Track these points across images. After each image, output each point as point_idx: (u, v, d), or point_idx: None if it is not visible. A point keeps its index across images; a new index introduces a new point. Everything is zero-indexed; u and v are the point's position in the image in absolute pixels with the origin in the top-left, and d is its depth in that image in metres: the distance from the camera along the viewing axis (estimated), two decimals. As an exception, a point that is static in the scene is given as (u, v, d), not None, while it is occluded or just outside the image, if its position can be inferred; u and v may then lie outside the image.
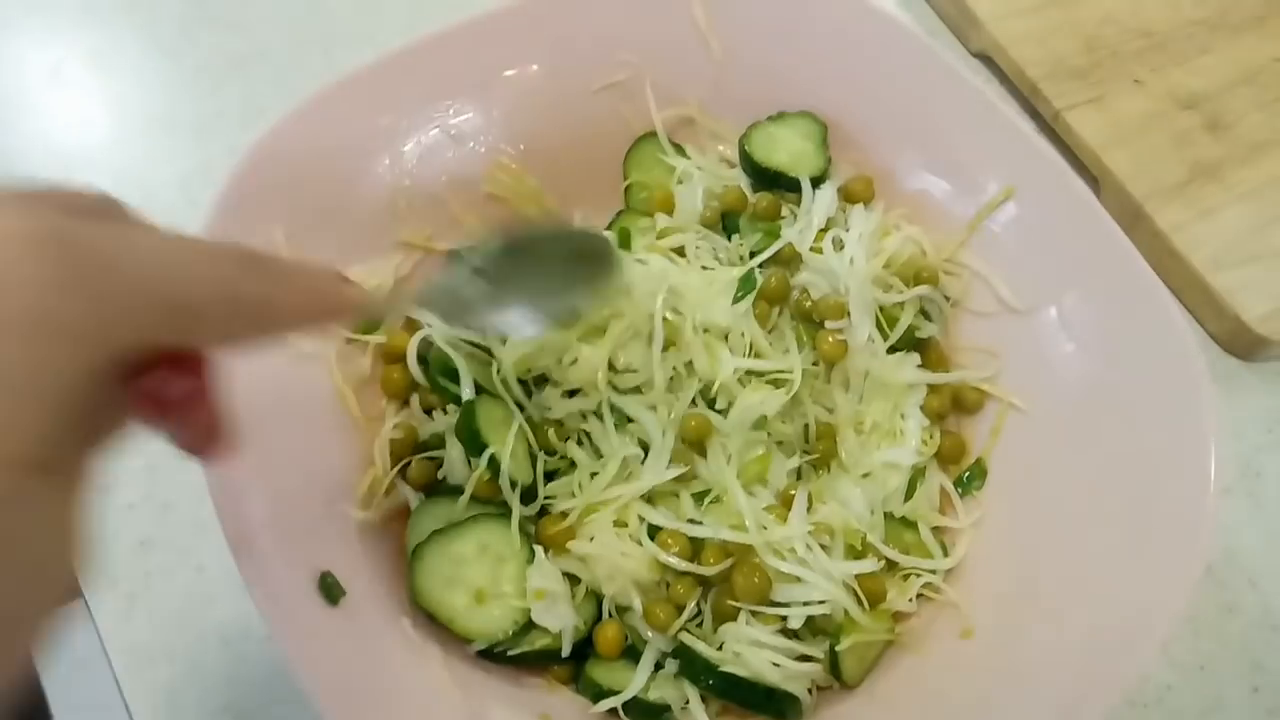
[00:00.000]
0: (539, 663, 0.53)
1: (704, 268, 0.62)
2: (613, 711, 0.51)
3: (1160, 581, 0.49)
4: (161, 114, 0.78)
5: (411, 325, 0.60)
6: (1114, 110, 0.80)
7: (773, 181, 0.65)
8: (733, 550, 0.53)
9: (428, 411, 0.59)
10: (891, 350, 0.61)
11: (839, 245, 0.62)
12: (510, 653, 0.51)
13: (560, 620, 0.51)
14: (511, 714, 0.49)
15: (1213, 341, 0.73)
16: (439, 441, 0.57)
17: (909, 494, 0.58)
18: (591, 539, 0.53)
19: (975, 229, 0.63)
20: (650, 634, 0.52)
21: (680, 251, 0.63)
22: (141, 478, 0.61)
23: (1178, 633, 0.61)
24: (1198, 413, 0.51)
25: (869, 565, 0.53)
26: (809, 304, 0.61)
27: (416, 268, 0.62)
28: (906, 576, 0.56)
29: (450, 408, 0.57)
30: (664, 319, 0.56)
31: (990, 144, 0.62)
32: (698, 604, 0.53)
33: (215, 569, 0.59)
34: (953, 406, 0.62)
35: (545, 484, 0.56)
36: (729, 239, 0.64)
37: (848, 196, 0.65)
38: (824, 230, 0.63)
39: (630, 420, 0.56)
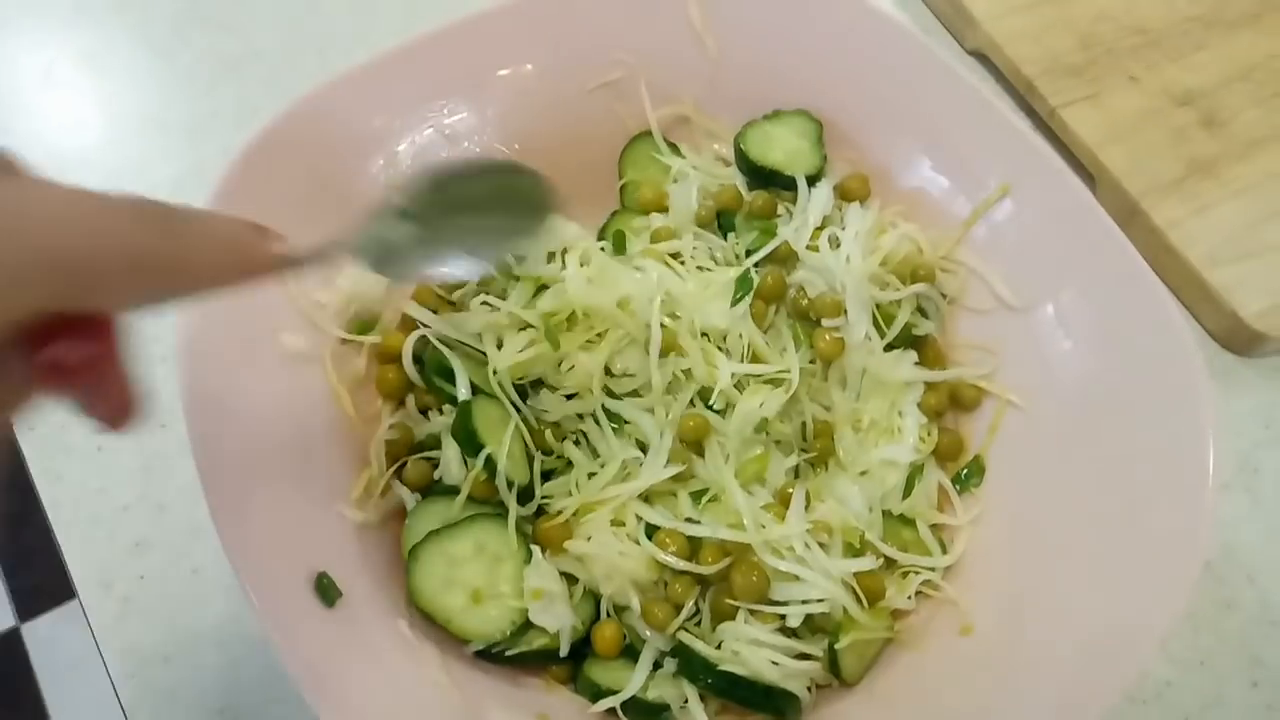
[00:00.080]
0: (537, 663, 0.53)
1: (700, 268, 0.62)
2: (611, 711, 0.51)
3: (1159, 578, 0.49)
4: (155, 115, 0.78)
5: (407, 325, 0.59)
6: (1110, 107, 0.80)
7: (768, 180, 0.65)
8: (731, 549, 0.52)
9: (423, 412, 0.59)
10: (888, 348, 0.61)
11: (835, 243, 0.61)
12: (508, 653, 0.51)
13: (558, 620, 0.51)
14: (509, 714, 0.49)
15: (1210, 338, 0.73)
16: (435, 442, 0.57)
17: (907, 491, 0.58)
18: (589, 538, 0.52)
19: (972, 226, 0.63)
20: (648, 633, 0.52)
21: (676, 255, 0.63)
22: (136, 479, 0.61)
23: (1177, 629, 0.61)
24: (1195, 408, 0.51)
25: (867, 563, 0.53)
26: (805, 302, 0.61)
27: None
28: (905, 574, 0.55)
29: (446, 408, 0.57)
30: (662, 325, 0.56)
31: (986, 141, 0.62)
32: (696, 603, 0.53)
33: (210, 570, 0.58)
34: (950, 404, 0.62)
35: (542, 484, 0.56)
36: (725, 238, 0.64)
37: (844, 194, 0.65)
38: (820, 228, 0.63)
39: (628, 422, 0.56)
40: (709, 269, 0.62)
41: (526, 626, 0.51)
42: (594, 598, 0.53)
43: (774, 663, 0.50)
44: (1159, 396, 0.53)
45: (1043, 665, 0.49)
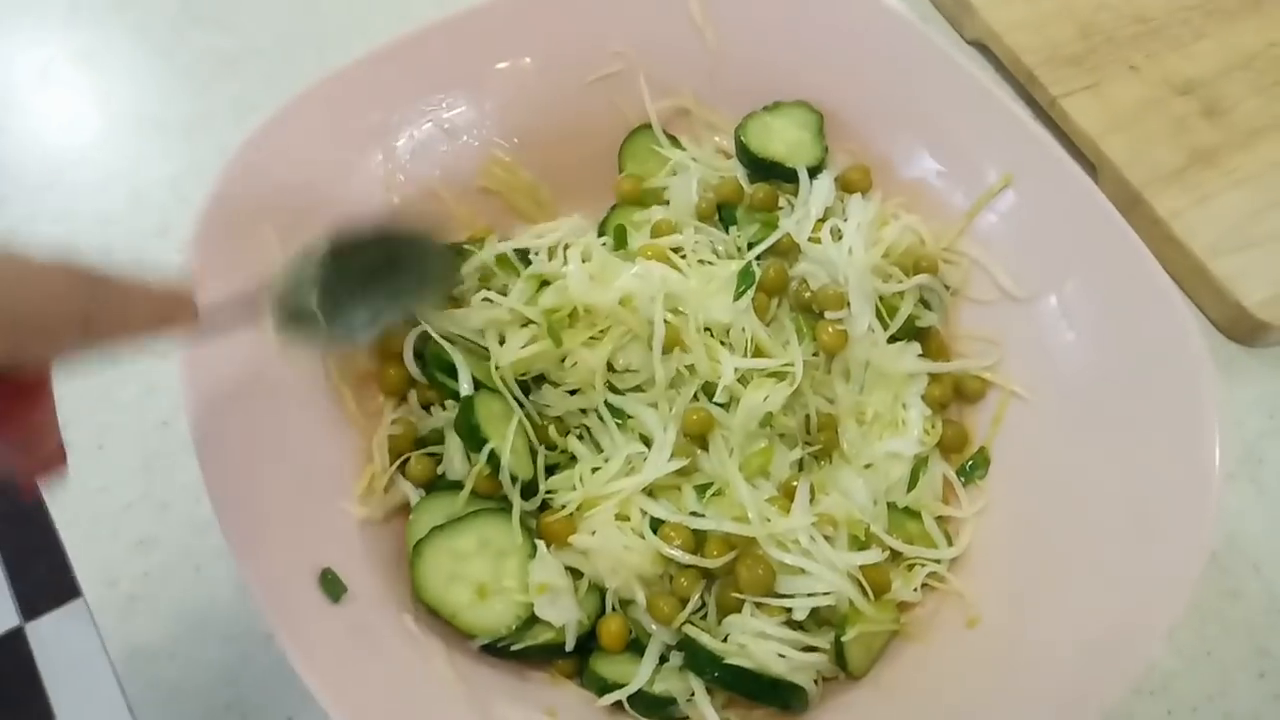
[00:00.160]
0: (543, 657, 0.53)
1: (702, 262, 0.62)
2: (618, 705, 0.51)
3: (1165, 569, 0.48)
4: (152, 113, 0.78)
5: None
6: (1110, 97, 0.80)
7: (769, 172, 0.65)
8: (736, 542, 0.52)
9: (426, 407, 0.59)
10: (892, 340, 0.61)
11: (837, 235, 0.61)
12: (514, 648, 0.51)
13: (563, 614, 0.51)
14: (515, 709, 0.49)
15: (1213, 328, 0.72)
16: (438, 437, 0.57)
17: (912, 484, 0.58)
18: (593, 533, 0.52)
19: (974, 217, 0.63)
20: (654, 627, 0.52)
21: (677, 249, 0.62)
22: (139, 477, 0.61)
23: (1183, 619, 0.60)
24: (1200, 398, 0.51)
25: (873, 556, 0.53)
26: (808, 295, 0.60)
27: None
28: (911, 566, 0.55)
29: (449, 403, 0.57)
30: (665, 321, 0.56)
31: (988, 131, 0.62)
32: (701, 596, 0.52)
33: (214, 568, 0.58)
34: (954, 395, 0.62)
35: (546, 478, 0.55)
36: (726, 231, 0.64)
37: (845, 186, 0.65)
38: (822, 220, 0.63)
39: (631, 417, 0.56)
40: (710, 263, 0.62)
41: (532, 621, 0.51)
42: (599, 592, 0.53)
43: (780, 655, 0.50)
44: (1163, 386, 0.53)
45: (1049, 657, 0.49)
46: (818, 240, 0.61)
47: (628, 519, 0.53)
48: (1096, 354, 0.57)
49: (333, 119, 0.59)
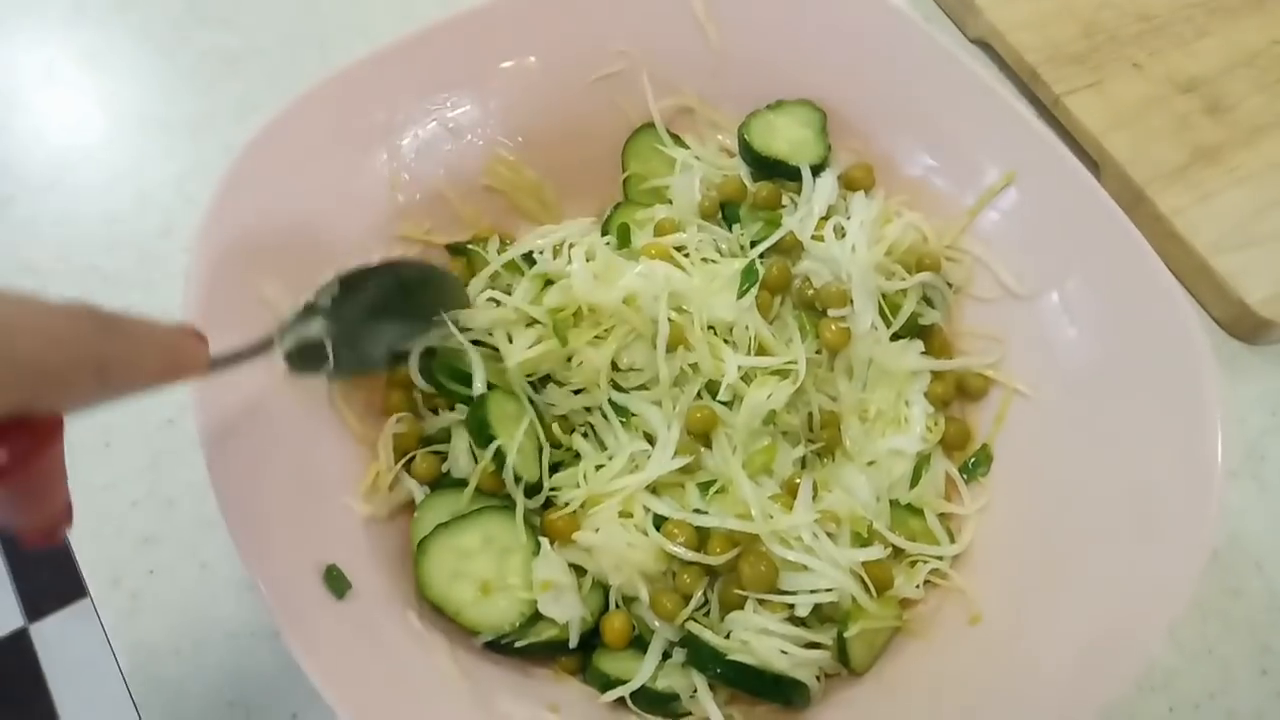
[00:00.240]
0: (546, 654, 0.53)
1: (705, 260, 0.62)
2: (621, 701, 0.51)
3: (1167, 566, 0.48)
4: (156, 113, 0.78)
5: None
6: (1113, 95, 0.80)
7: (772, 170, 0.65)
8: (739, 539, 0.52)
9: (433, 410, 0.59)
10: (894, 337, 0.61)
11: (840, 233, 0.61)
12: (517, 645, 0.51)
13: (567, 611, 0.51)
14: (518, 704, 0.49)
15: (1216, 325, 0.73)
16: (444, 436, 0.57)
17: (914, 481, 0.58)
18: (597, 530, 0.52)
19: (977, 215, 0.63)
20: (657, 624, 0.52)
21: (681, 248, 0.62)
22: (145, 475, 0.61)
23: (1185, 616, 0.61)
24: (1202, 394, 0.51)
25: (876, 552, 0.53)
26: (811, 292, 0.61)
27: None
28: (913, 563, 0.55)
29: (459, 406, 0.57)
30: (669, 319, 0.56)
31: (990, 129, 0.62)
32: (704, 593, 0.53)
33: (220, 565, 0.58)
34: (957, 393, 0.62)
35: (550, 475, 0.55)
36: (729, 229, 0.64)
37: (848, 184, 0.65)
38: (825, 218, 0.63)
39: (635, 415, 0.56)
40: (714, 261, 0.62)
41: (535, 618, 0.51)
42: (602, 589, 0.53)
43: (783, 652, 0.50)
44: (1165, 383, 0.53)
45: (1050, 653, 0.49)
46: (821, 238, 0.61)
47: (631, 516, 0.53)
48: (1099, 351, 0.57)
49: (337, 118, 0.59)
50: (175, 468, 0.62)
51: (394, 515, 0.55)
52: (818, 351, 0.60)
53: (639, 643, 0.53)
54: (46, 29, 0.82)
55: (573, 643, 0.52)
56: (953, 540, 0.57)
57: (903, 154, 0.66)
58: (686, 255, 0.61)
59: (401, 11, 0.82)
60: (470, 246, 0.64)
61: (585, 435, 0.57)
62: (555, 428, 0.56)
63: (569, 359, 0.57)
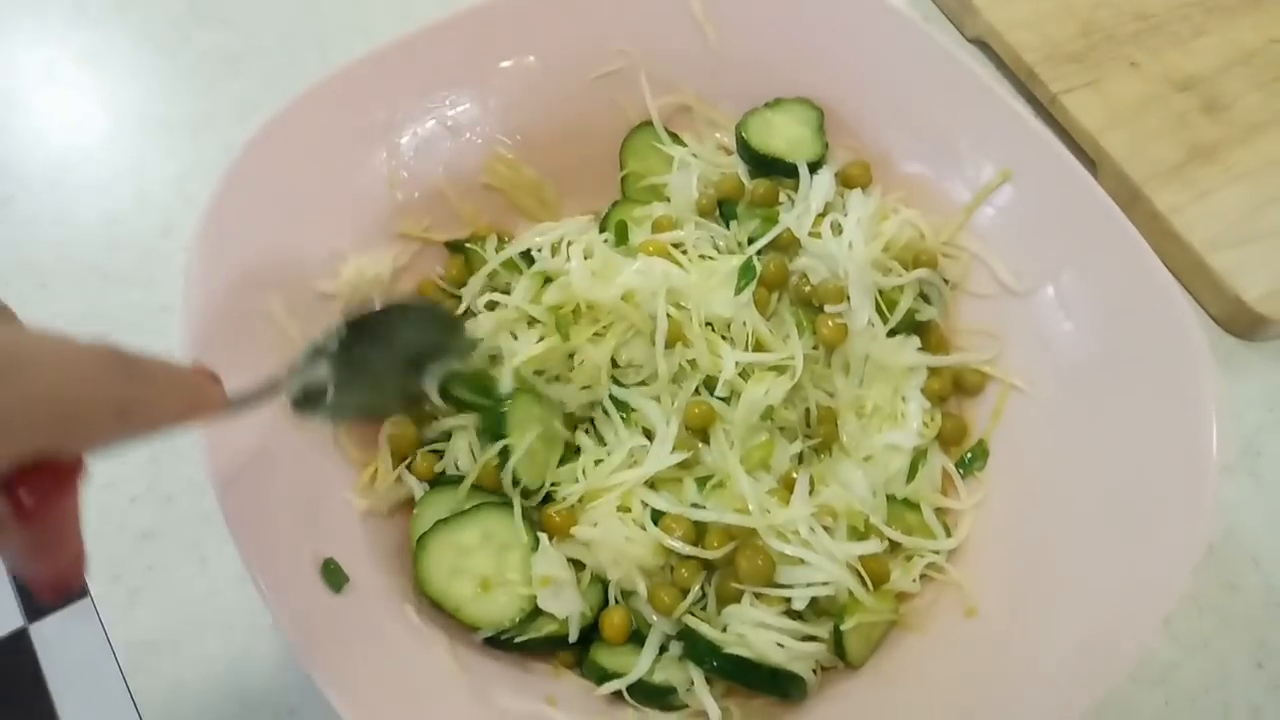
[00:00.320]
0: (545, 649, 0.53)
1: (702, 257, 0.62)
2: (618, 694, 0.51)
3: (1162, 560, 0.49)
4: (156, 113, 0.78)
5: None
6: (1110, 93, 0.80)
7: (770, 168, 0.65)
8: (736, 534, 0.53)
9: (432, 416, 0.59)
10: (891, 333, 0.61)
11: (837, 229, 0.61)
12: (517, 640, 0.51)
13: (567, 606, 0.51)
14: (517, 698, 0.49)
15: (1213, 322, 0.73)
16: (443, 437, 0.57)
17: (911, 476, 0.58)
18: (595, 524, 0.53)
19: (974, 211, 0.63)
20: (655, 617, 0.52)
21: (679, 245, 0.63)
22: (144, 471, 0.62)
23: (1181, 611, 0.61)
24: (1198, 387, 0.51)
25: (872, 546, 0.53)
26: (808, 289, 0.61)
27: (414, 258, 0.62)
28: (910, 557, 0.56)
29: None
30: (668, 316, 0.56)
31: (987, 127, 0.62)
32: (701, 588, 0.53)
33: (218, 560, 0.59)
34: (954, 389, 0.62)
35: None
36: (726, 226, 0.64)
37: (845, 181, 0.65)
38: (822, 215, 0.63)
39: (634, 410, 0.57)
40: (711, 258, 0.62)
41: (535, 614, 0.52)
42: (601, 584, 0.54)
43: (779, 645, 0.50)
44: (1161, 377, 0.53)
45: (1046, 646, 0.49)
46: (818, 235, 0.62)
47: (629, 511, 0.54)
48: (1095, 347, 0.57)
49: (337, 117, 0.59)
50: (174, 464, 0.62)
51: (393, 511, 0.55)
52: (815, 348, 0.60)
53: (636, 637, 0.53)
54: (47, 29, 0.82)
55: (572, 637, 0.52)
56: (949, 534, 0.57)
57: (900, 152, 0.66)
58: (684, 252, 0.62)
59: (401, 11, 0.83)
60: (469, 245, 0.64)
61: (586, 431, 0.57)
62: (556, 424, 0.57)
63: (570, 355, 0.58)
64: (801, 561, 0.52)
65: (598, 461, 0.55)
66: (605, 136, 0.68)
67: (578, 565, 0.53)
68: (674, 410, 0.56)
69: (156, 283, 0.69)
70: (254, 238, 0.55)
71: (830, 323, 0.59)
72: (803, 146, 0.65)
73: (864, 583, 0.53)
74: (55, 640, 1.37)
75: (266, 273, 0.54)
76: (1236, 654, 0.60)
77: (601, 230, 0.65)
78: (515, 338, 0.58)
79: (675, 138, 0.68)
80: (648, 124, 0.68)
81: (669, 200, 0.66)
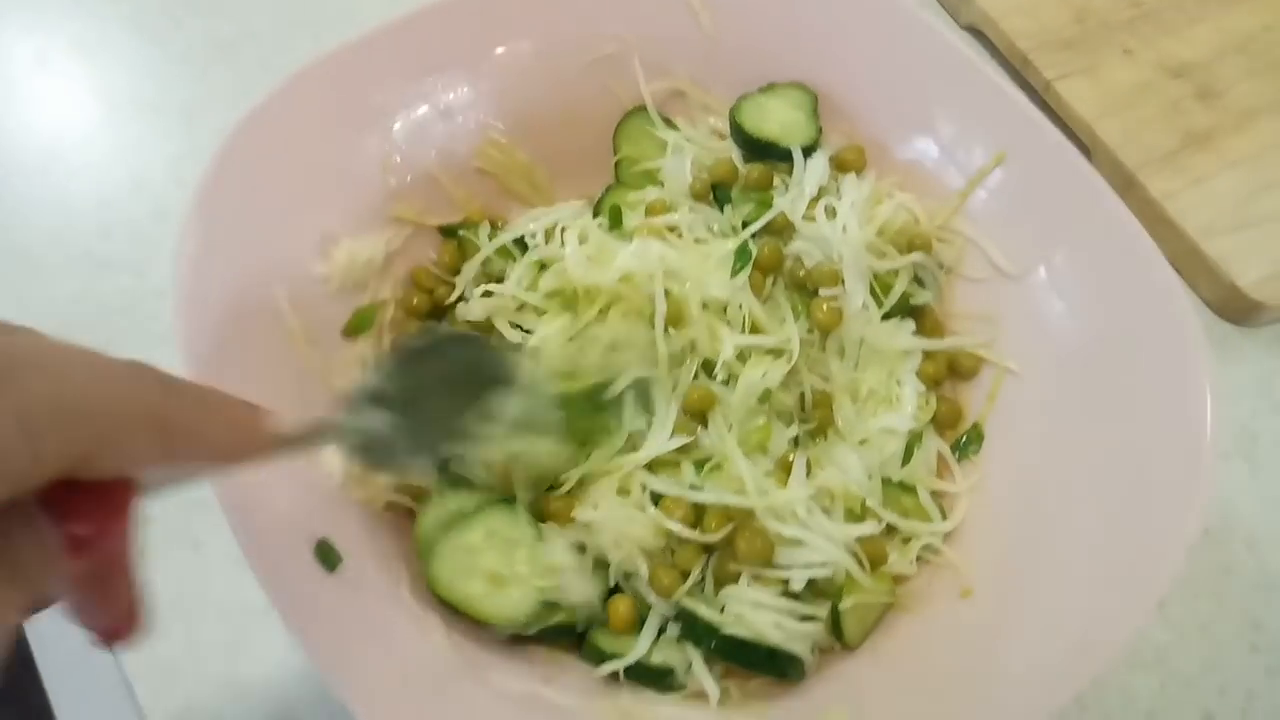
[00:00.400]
0: (553, 639, 0.52)
1: (697, 240, 0.62)
2: (615, 675, 0.51)
3: (1157, 542, 0.49)
4: (149, 99, 0.78)
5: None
6: (1105, 80, 0.80)
7: (764, 152, 0.65)
8: (734, 515, 0.53)
9: None
10: (886, 317, 0.61)
11: (832, 213, 0.61)
12: (531, 631, 0.51)
13: (582, 593, 0.51)
14: (513, 678, 0.49)
15: (1207, 308, 0.73)
16: None
17: (906, 459, 0.58)
18: (596, 507, 0.52)
19: (968, 195, 0.63)
20: (653, 599, 0.52)
21: (673, 229, 0.62)
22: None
23: (1176, 594, 0.61)
24: (1192, 366, 0.51)
25: (869, 528, 0.53)
26: (803, 273, 0.61)
27: (407, 243, 0.62)
28: (907, 540, 0.55)
29: None
30: (666, 294, 0.56)
31: (980, 111, 0.62)
32: (701, 570, 0.53)
33: (212, 544, 0.58)
34: (949, 372, 0.62)
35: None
36: (721, 211, 0.64)
37: (839, 166, 0.65)
38: (816, 199, 0.63)
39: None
40: (705, 241, 0.62)
41: (549, 605, 0.51)
42: (603, 568, 0.53)
43: (777, 626, 0.50)
44: (1155, 358, 0.53)
45: (1041, 627, 0.49)
46: (812, 218, 0.62)
47: (629, 493, 0.53)
48: (1090, 330, 0.57)
49: (329, 99, 0.59)
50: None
51: (391, 505, 0.55)
52: (810, 332, 0.60)
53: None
54: (39, 16, 0.82)
55: (580, 627, 0.52)
56: (945, 517, 0.57)
57: (894, 136, 0.66)
58: (679, 236, 0.61)
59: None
60: (462, 232, 0.64)
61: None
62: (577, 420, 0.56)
63: (569, 340, 0.57)
64: (799, 543, 0.52)
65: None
66: (599, 121, 0.68)
67: (579, 550, 0.53)
68: (674, 394, 0.56)
69: (150, 267, 0.69)
70: (245, 218, 0.54)
71: (825, 306, 0.59)
72: (797, 131, 0.65)
73: (861, 564, 0.52)
74: (48, 627, 1.37)
75: (258, 254, 0.54)
76: (1231, 637, 0.60)
77: (595, 215, 0.65)
78: (523, 329, 0.58)
79: (669, 122, 0.68)
80: (641, 109, 0.68)
81: (663, 185, 0.66)
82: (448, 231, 0.64)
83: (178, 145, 0.75)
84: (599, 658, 0.51)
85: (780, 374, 0.56)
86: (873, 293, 0.60)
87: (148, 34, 0.81)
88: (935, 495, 0.58)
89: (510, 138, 0.66)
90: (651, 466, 0.55)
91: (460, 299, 0.61)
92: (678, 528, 0.52)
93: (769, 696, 0.51)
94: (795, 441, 0.57)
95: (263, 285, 0.54)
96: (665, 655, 0.51)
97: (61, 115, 0.77)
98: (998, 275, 0.61)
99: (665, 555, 0.53)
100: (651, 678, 0.51)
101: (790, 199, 0.62)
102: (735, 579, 0.52)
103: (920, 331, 0.62)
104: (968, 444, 0.59)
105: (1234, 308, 0.71)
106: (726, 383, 0.57)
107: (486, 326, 0.60)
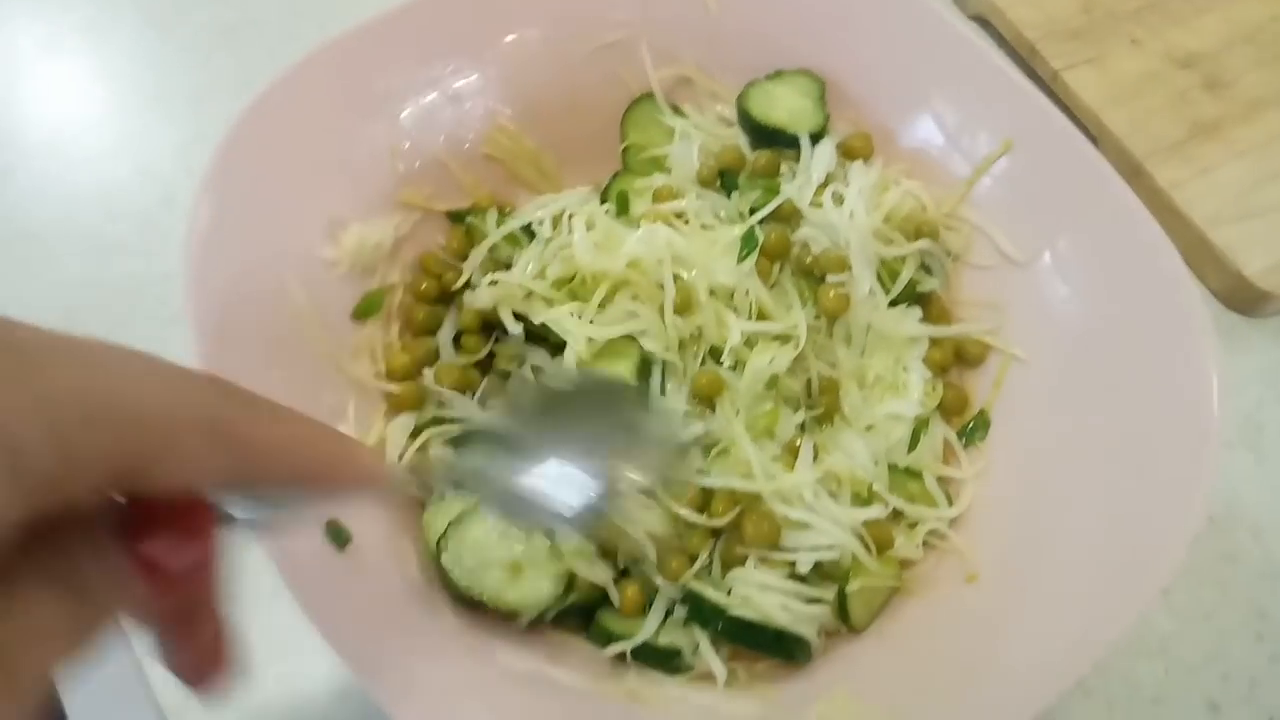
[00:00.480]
0: (561, 619, 0.53)
1: (704, 227, 0.62)
2: (621, 655, 0.51)
3: (1162, 528, 0.49)
4: (155, 85, 0.78)
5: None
6: (1112, 70, 0.80)
7: (771, 139, 0.65)
8: (741, 499, 0.53)
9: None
10: (893, 304, 0.61)
11: (839, 200, 0.61)
12: (549, 616, 0.51)
13: (601, 572, 0.51)
14: (520, 657, 0.49)
15: (1214, 298, 0.73)
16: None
17: (912, 445, 0.58)
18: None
19: (975, 183, 0.63)
20: (661, 582, 0.52)
21: (680, 215, 0.63)
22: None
23: (1181, 582, 0.61)
24: (1200, 357, 0.51)
25: (876, 511, 0.53)
26: (810, 259, 0.61)
27: (415, 227, 0.62)
28: (913, 525, 0.56)
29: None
30: (675, 279, 0.56)
31: (987, 98, 0.62)
32: (709, 554, 0.53)
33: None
34: (955, 359, 0.62)
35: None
36: (728, 197, 0.64)
37: (847, 153, 0.65)
38: (823, 186, 0.63)
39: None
40: (712, 228, 0.62)
41: (568, 587, 0.51)
42: (612, 554, 0.53)
43: (784, 608, 0.50)
44: (1162, 346, 0.53)
45: (1046, 612, 0.49)
46: (819, 205, 0.62)
47: (636, 478, 0.53)
48: (1096, 317, 0.57)
49: (336, 85, 0.59)
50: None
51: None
52: (817, 318, 0.60)
53: (641, 602, 0.53)
54: (47, 2, 0.82)
55: (594, 605, 0.52)
56: (951, 503, 0.57)
57: (901, 124, 0.66)
58: (686, 222, 0.61)
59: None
60: (470, 218, 0.64)
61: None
62: None
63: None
64: (806, 526, 0.52)
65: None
66: (606, 108, 0.68)
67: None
68: (684, 379, 0.56)
69: (157, 252, 0.69)
70: (254, 202, 0.55)
71: (832, 293, 0.59)
72: (804, 118, 0.65)
73: (867, 548, 0.53)
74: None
75: (267, 237, 0.54)
76: (1236, 626, 0.60)
77: (602, 201, 0.65)
78: (518, 317, 0.58)
79: (676, 109, 0.68)
80: (649, 96, 0.68)
81: (670, 171, 0.66)
82: (456, 217, 0.64)
83: (185, 131, 0.75)
84: (606, 638, 0.51)
85: (787, 360, 0.56)
86: (880, 279, 0.60)
87: (154, 19, 0.81)
88: (941, 481, 0.58)
89: (518, 124, 0.66)
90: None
91: (468, 285, 0.61)
92: (686, 512, 0.52)
93: (775, 678, 0.52)
94: (802, 427, 0.57)
95: (272, 268, 0.54)
96: (672, 637, 0.51)
97: (69, 100, 0.77)
98: (1004, 262, 0.61)
99: (673, 539, 0.53)
100: (659, 659, 0.51)
101: (797, 185, 0.62)
102: (742, 562, 0.52)
103: (927, 318, 0.62)
104: (974, 430, 0.59)
105: (1241, 297, 0.71)
106: (734, 368, 0.56)
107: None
